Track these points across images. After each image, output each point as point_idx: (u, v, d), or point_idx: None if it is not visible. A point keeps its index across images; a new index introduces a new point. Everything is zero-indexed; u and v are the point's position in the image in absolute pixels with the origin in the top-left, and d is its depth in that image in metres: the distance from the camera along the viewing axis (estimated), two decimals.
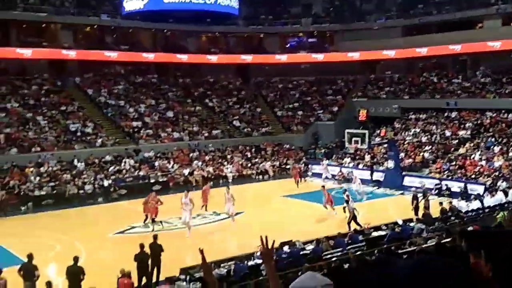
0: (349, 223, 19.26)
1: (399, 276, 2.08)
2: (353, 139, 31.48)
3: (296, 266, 12.90)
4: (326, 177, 30.75)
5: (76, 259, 13.07)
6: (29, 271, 12.64)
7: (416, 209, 21.01)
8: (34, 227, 21.64)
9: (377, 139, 34.59)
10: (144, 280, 14.01)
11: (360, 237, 15.89)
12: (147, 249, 14.28)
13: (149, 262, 14.23)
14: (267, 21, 44.22)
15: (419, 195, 22.27)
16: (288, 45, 45.75)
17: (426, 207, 20.30)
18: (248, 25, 43.81)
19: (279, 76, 44.94)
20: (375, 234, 16.61)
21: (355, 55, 41.29)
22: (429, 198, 21.45)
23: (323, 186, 23.61)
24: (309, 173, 34.07)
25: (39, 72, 36.42)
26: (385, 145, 32.90)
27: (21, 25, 36.34)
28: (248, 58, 43.20)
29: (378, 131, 36.37)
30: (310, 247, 15.05)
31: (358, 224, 19.06)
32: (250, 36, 45.86)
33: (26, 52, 34.34)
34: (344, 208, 20.69)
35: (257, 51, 44.06)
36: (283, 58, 43.40)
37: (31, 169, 27.83)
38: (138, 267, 13.85)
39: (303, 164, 34.73)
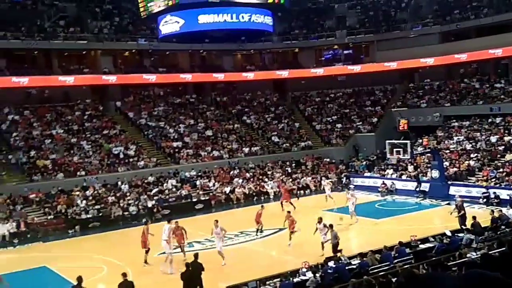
0: (334, 251, 17.14)
1: None
2: (395, 149, 30.86)
3: (342, 281, 12.69)
4: (329, 195, 28.41)
5: (125, 274, 13.55)
6: None
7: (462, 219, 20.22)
8: (81, 250, 22.09)
9: (420, 149, 33.88)
10: None
11: (408, 250, 15.51)
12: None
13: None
14: (301, 35, 44.31)
15: (459, 204, 21.29)
16: (324, 58, 45.65)
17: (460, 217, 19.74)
18: (283, 40, 44.00)
19: (316, 89, 44.83)
20: (422, 246, 16.19)
21: (392, 65, 40.80)
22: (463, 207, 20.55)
23: (289, 212, 21.45)
24: (351, 186, 33.73)
25: (81, 98, 37.50)
26: (428, 155, 32.21)
27: (62, 53, 37.63)
28: (284, 73, 43.27)
29: (420, 141, 35.66)
30: (355, 261, 14.79)
31: (336, 251, 16.95)
32: (285, 51, 46.03)
33: (69, 79, 35.39)
34: (322, 243, 18.37)
35: (292, 66, 44.10)
36: (319, 71, 43.28)
37: (77, 193, 28.52)
38: (185, 285, 13.91)
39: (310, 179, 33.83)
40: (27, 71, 34.75)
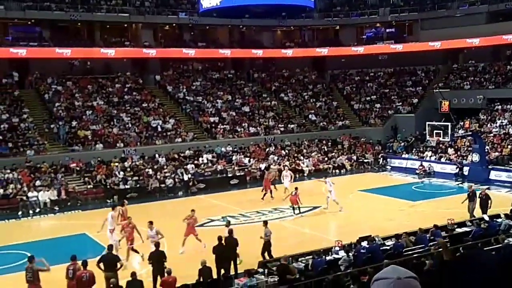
0: (263, 253, 15.23)
1: (488, 267, 1.94)
2: (435, 131, 30.22)
3: (375, 261, 12.63)
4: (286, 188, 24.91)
5: (157, 245, 13.94)
6: (110, 261, 13.12)
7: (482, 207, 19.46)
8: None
9: (461, 132, 33.08)
10: (222, 272, 14.23)
11: (443, 233, 15.28)
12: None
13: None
14: (343, 12, 43.53)
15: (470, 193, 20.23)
16: (365, 36, 44.76)
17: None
18: (324, 17, 43.36)
19: (356, 68, 44.13)
20: (459, 230, 15.94)
21: (436, 44, 39.69)
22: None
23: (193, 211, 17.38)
24: (388, 167, 33.42)
25: (122, 71, 38.00)
26: (470, 138, 31.45)
27: (104, 26, 38.14)
28: (323, 51, 42.71)
29: (462, 123, 34.80)
30: (390, 242, 14.67)
31: (270, 255, 15.11)
32: (326, 28, 45.39)
33: (110, 52, 35.92)
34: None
35: (332, 44, 43.48)
36: (360, 49, 42.50)
37: (116, 164, 29.12)
38: (217, 259, 14.09)
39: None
40: (70, 43, 35.41)
